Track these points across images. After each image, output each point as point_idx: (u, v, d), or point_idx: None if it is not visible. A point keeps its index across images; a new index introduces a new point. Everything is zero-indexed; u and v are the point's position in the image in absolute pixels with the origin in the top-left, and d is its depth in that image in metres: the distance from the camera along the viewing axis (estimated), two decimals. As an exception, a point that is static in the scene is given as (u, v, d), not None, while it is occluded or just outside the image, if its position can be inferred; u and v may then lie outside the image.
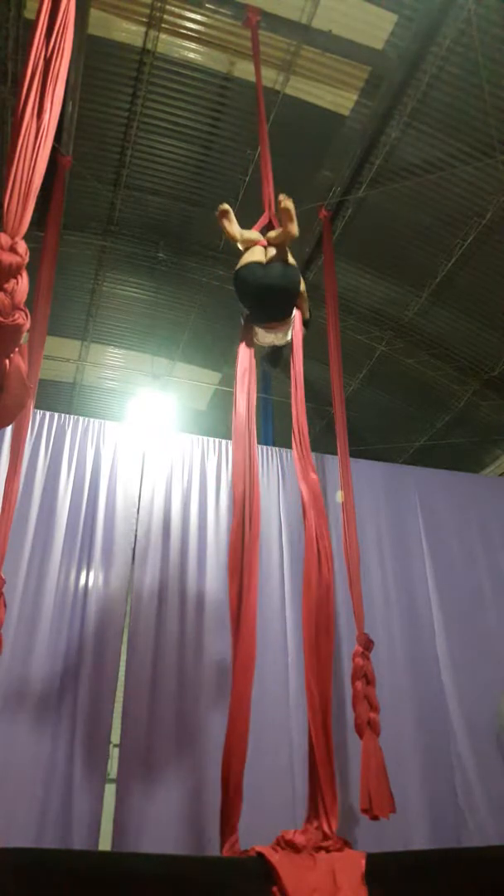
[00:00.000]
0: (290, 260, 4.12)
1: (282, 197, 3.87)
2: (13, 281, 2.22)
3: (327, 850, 2.62)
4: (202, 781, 5.12)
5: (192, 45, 5.94)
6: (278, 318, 4.12)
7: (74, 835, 4.72)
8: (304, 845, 2.66)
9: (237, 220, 4.25)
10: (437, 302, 7.75)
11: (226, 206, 4.05)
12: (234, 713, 3.36)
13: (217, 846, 4.61)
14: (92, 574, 5.61)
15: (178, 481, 6.21)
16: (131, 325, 8.74)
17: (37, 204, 2.45)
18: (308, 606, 3.65)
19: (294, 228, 3.95)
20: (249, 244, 4.15)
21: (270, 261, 4.03)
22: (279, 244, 4.02)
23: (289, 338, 4.25)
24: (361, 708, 4.82)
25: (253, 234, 4.24)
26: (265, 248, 4.15)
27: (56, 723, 5.03)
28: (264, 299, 4.05)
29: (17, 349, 2.27)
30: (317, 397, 8.08)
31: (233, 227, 4.11)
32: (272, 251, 4.08)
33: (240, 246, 4.19)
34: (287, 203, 3.83)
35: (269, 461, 6.62)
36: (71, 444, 5.99)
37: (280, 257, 4.03)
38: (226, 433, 8.92)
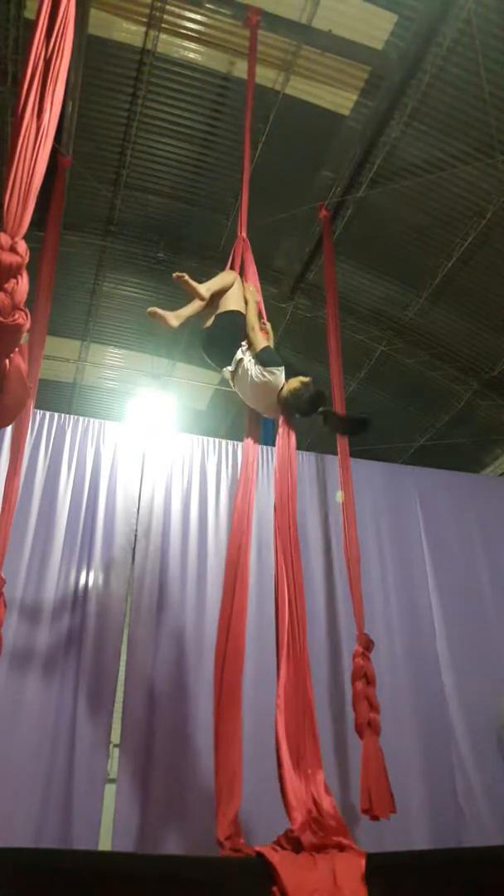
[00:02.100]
0: (233, 308, 4.12)
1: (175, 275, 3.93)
2: (13, 281, 2.22)
3: (327, 849, 2.62)
4: (202, 781, 5.12)
5: (192, 45, 5.94)
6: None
7: (74, 835, 4.72)
8: (306, 844, 2.66)
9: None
10: (437, 302, 7.75)
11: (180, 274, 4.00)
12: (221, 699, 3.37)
13: (217, 846, 4.63)
14: (92, 574, 5.61)
15: (178, 481, 6.21)
16: (131, 325, 8.74)
17: (37, 204, 2.44)
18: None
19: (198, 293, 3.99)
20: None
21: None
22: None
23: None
24: (361, 708, 4.83)
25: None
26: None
27: (56, 723, 5.03)
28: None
29: (17, 349, 2.27)
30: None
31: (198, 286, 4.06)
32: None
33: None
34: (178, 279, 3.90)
35: (270, 461, 6.61)
36: (71, 444, 6.00)
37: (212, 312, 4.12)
38: (226, 433, 8.96)
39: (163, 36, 5.82)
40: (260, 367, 3.90)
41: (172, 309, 4.09)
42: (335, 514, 6.15)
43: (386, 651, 5.92)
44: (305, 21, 5.59)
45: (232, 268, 4.55)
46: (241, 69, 5.98)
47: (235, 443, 6.67)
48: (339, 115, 6.30)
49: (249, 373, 3.95)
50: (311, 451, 6.74)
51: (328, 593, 6.15)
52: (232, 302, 4.13)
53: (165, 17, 5.70)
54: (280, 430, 4.12)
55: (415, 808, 5.44)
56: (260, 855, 2.54)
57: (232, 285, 4.20)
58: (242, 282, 4.40)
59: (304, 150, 6.54)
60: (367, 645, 5.07)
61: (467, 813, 5.60)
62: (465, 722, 5.95)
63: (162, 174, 7.02)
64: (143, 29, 5.77)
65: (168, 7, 5.64)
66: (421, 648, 6.18)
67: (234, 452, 6.55)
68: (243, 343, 4.06)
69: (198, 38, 5.88)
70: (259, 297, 4.40)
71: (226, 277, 4.23)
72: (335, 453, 5.82)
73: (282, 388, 3.96)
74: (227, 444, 6.62)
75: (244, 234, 4.68)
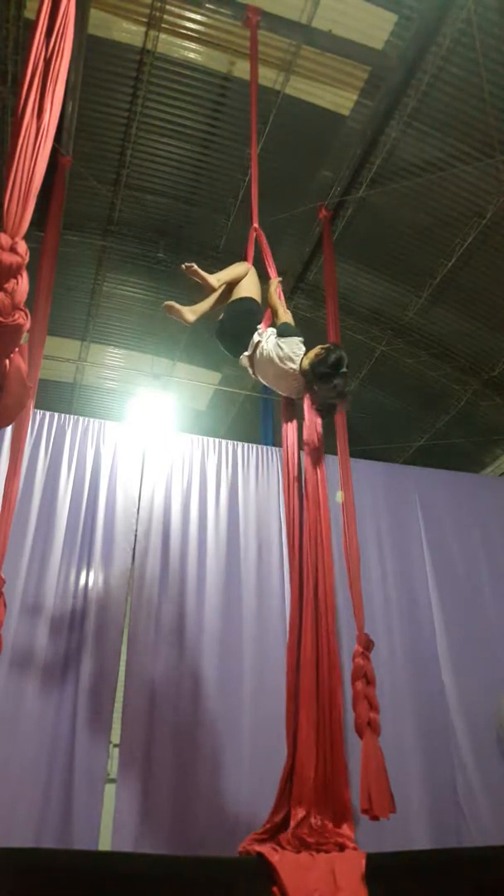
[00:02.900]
0: (246, 294, 4.09)
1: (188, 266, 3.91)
2: (13, 281, 2.21)
3: (327, 849, 2.62)
4: (202, 781, 5.13)
5: (192, 45, 5.93)
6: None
7: (74, 835, 4.72)
8: (307, 843, 2.66)
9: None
10: (437, 302, 7.75)
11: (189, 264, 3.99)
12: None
13: (217, 846, 4.63)
14: (92, 574, 5.61)
15: (178, 481, 6.21)
16: (131, 325, 8.74)
17: (37, 204, 2.44)
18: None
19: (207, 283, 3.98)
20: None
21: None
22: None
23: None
24: (361, 708, 4.81)
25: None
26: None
27: (56, 723, 5.03)
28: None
29: (17, 349, 2.27)
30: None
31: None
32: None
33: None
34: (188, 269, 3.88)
35: (270, 461, 6.62)
36: (71, 444, 6.00)
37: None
38: (226, 433, 8.97)
39: (163, 36, 5.82)
40: (279, 340, 3.85)
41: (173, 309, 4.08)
42: (335, 514, 6.15)
43: (386, 651, 5.92)
44: (305, 21, 5.59)
45: (246, 259, 4.54)
46: (240, 69, 5.98)
47: (235, 443, 6.68)
48: (339, 115, 6.30)
49: (268, 351, 3.88)
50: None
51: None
52: (244, 290, 4.08)
53: (165, 17, 5.70)
54: (306, 418, 4.13)
55: (415, 808, 5.44)
56: (260, 855, 2.54)
57: (245, 275, 4.15)
58: (269, 277, 4.41)
59: (304, 150, 6.54)
60: (367, 645, 5.06)
61: (467, 813, 5.60)
62: (465, 722, 5.95)
63: (162, 174, 7.02)
64: (143, 29, 5.77)
65: (168, 7, 5.64)
66: (421, 648, 6.18)
67: (234, 452, 6.56)
68: (259, 327, 4.03)
69: (198, 38, 5.88)
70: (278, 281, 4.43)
71: (238, 267, 4.19)
72: (335, 453, 5.82)
73: (302, 359, 3.90)
74: (227, 444, 6.62)
75: (257, 224, 4.68)
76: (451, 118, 6.05)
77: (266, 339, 3.95)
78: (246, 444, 6.68)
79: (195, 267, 3.91)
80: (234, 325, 4.06)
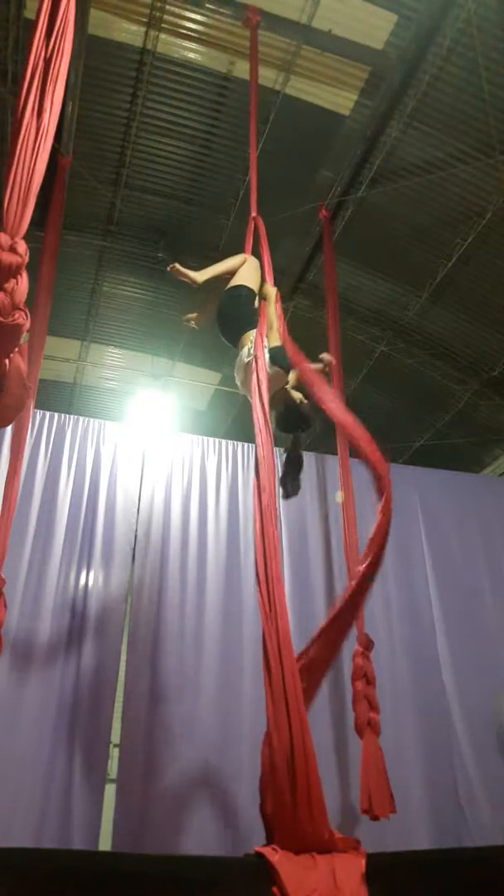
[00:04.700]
0: (237, 282, 4.12)
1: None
2: (13, 281, 2.22)
3: (328, 850, 2.61)
4: (202, 781, 5.13)
5: (192, 45, 5.93)
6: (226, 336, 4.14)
7: (74, 835, 4.73)
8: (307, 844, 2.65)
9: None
10: (437, 302, 7.74)
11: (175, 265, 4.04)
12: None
13: (217, 846, 4.63)
14: (92, 574, 5.61)
15: (178, 481, 6.21)
16: (131, 325, 8.74)
17: (37, 204, 2.45)
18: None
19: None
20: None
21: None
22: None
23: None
24: (361, 708, 4.83)
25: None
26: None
27: (56, 723, 5.03)
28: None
29: (17, 349, 2.28)
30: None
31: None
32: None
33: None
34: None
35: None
36: (71, 444, 6.00)
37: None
38: (225, 433, 8.96)
39: (163, 36, 5.81)
40: (269, 363, 3.82)
41: (173, 311, 4.12)
42: (335, 514, 6.15)
43: (386, 651, 5.92)
44: (305, 21, 5.59)
45: (245, 249, 4.54)
46: (240, 69, 5.98)
47: (235, 443, 6.68)
48: (339, 115, 6.30)
49: (246, 361, 3.88)
50: (311, 451, 6.74)
51: (328, 593, 6.15)
52: (240, 279, 4.12)
53: (165, 17, 5.69)
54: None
55: (415, 808, 5.44)
56: (260, 855, 2.53)
57: (241, 265, 4.19)
58: (265, 278, 4.36)
59: (304, 150, 6.54)
60: (367, 645, 5.08)
61: (467, 813, 5.60)
62: (466, 721, 5.95)
63: (162, 174, 7.01)
64: (143, 29, 5.77)
65: (168, 7, 5.64)
66: (421, 648, 6.19)
67: (234, 452, 6.56)
68: (254, 335, 3.94)
69: (198, 38, 5.88)
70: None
71: (234, 259, 4.23)
72: (335, 453, 5.82)
73: (284, 387, 3.92)
74: (227, 444, 6.62)
75: (255, 213, 4.67)
76: (451, 118, 6.05)
77: (248, 352, 3.90)
78: (246, 444, 6.68)
79: (178, 266, 4.00)
80: (227, 313, 4.09)
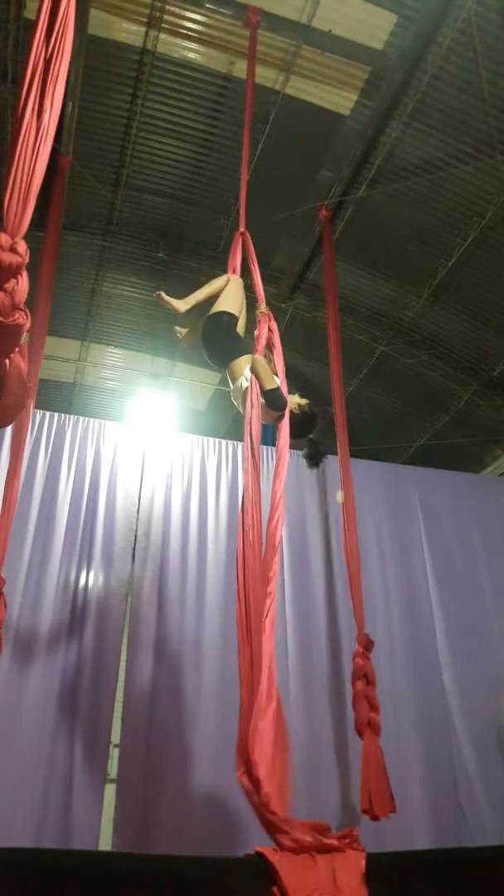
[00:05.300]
0: (219, 308, 4.06)
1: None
2: (13, 281, 2.22)
3: (328, 850, 2.61)
4: (202, 781, 5.12)
5: (192, 45, 5.93)
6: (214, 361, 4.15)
7: (74, 835, 4.73)
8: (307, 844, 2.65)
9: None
10: (437, 302, 7.74)
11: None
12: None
13: (217, 846, 4.63)
14: (92, 574, 5.61)
15: (178, 481, 6.21)
16: (131, 325, 8.74)
17: (37, 204, 2.44)
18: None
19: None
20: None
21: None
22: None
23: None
24: (361, 708, 4.82)
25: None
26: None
27: (56, 723, 5.03)
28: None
29: (17, 349, 2.28)
30: (317, 397, 8.08)
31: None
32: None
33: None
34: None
35: (270, 461, 6.61)
36: (71, 444, 6.00)
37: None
38: (226, 433, 8.96)
39: (163, 36, 5.81)
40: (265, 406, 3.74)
41: (173, 315, 4.12)
42: (335, 514, 6.16)
43: (386, 651, 5.92)
44: (305, 21, 5.59)
45: (230, 265, 4.52)
46: (241, 69, 5.98)
47: (235, 443, 6.68)
48: (339, 115, 6.30)
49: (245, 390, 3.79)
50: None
51: (328, 593, 6.16)
52: (223, 303, 4.06)
53: (165, 17, 5.69)
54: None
55: (415, 808, 5.45)
56: (260, 855, 2.53)
57: (225, 286, 4.13)
58: (256, 296, 4.32)
59: (304, 150, 6.54)
60: (367, 645, 5.08)
61: (468, 813, 5.61)
62: (466, 721, 5.96)
63: (162, 174, 7.01)
64: (143, 29, 5.77)
65: (168, 7, 5.64)
66: (421, 648, 6.19)
67: (234, 452, 6.56)
68: (248, 361, 3.85)
69: (198, 38, 5.88)
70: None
71: (216, 282, 4.17)
72: (335, 453, 5.82)
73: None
74: (227, 444, 6.62)
75: (243, 228, 4.61)
76: (451, 118, 6.05)
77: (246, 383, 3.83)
78: (246, 445, 6.67)
79: (162, 294, 4.03)
80: (212, 341, 4.06)
